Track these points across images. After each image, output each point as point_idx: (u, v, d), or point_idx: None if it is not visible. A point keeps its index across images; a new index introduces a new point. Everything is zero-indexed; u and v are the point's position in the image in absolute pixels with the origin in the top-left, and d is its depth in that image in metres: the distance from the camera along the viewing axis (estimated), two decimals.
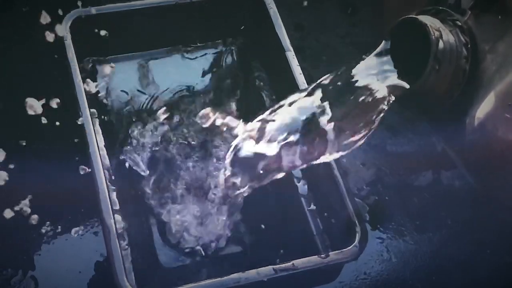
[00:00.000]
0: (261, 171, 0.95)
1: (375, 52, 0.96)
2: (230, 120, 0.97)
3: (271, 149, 0.94)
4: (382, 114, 0.93)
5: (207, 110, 0.98)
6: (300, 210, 1.08)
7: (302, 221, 1.07)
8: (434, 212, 1.11)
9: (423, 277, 1.06)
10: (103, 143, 1.01)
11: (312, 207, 1.08)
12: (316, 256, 0.94)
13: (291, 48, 1.12)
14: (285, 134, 0.94)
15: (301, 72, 1.09)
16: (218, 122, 0.98)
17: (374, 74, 0.94)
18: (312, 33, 1.31)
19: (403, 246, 1.09)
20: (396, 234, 1.10)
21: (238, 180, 0.96)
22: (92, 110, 1.03)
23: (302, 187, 1.09)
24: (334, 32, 1.32)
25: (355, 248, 0.95)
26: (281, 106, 0.96)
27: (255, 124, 0.96)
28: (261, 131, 0.95)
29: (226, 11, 1.19)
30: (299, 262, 0.93)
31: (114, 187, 0.97)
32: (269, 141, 0.94)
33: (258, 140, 0.94)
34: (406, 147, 1.19)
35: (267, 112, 0.96)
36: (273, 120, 0.95)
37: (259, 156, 0.94)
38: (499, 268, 1.06)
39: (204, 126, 0.99)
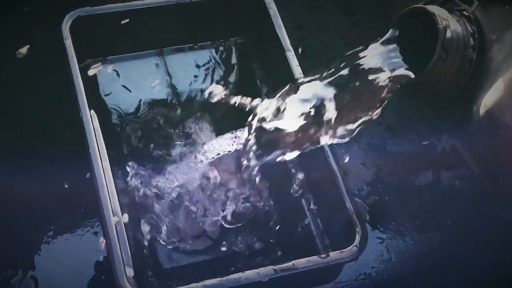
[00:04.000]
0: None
1: (381, 40, 0.96)
2: (243, 99, 0.96)
3: (288, 125, 0.93)
4: (385, 102, 0.93)
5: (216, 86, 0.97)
6: (300, 210, 1.08)
7: (302, 221, 1.07)
8: (434, 212, 1.11)
9: (423, 277, 1.06)
10: (103, 143, 1.01)
11: (312, 207, 1.08)
12: (316, 256, 0.94)
13: (291, 48, 1.12)
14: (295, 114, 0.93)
15: (301, 72, 1.09)
16: (233, 100, 0.97)
17: (380, 62, 0.94)
18: (312, 33, 1.31)
19: (403, 246, 1.09)
20: (396, 234, 1.10)
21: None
22: (91, 110, 1.03)
23: None
24: (334, 32, 1.32)
25: (355, 248, 0.95)
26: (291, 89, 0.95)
27: (267, 104, 0.95)
28: (275, 111, 0.94)
29: (226, 11, 1.19)
30: (299, 262, 0.93)
31: (114, 187, 0.97)
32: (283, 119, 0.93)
33: (273, 118, 0.94)
34: (406, 147, 1.19)
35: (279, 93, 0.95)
36: (285, 102, 0.94)
37: (276, 132, 0.93)
38: (499, 268, 1.06)
39: (212, 101, 0.98)
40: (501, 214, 1.07)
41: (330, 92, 0.93)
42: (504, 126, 0.93)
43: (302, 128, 0.92)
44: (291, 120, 0.92)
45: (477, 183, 1.10)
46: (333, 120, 0.92)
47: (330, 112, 0.92)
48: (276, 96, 0.94)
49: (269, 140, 0.93)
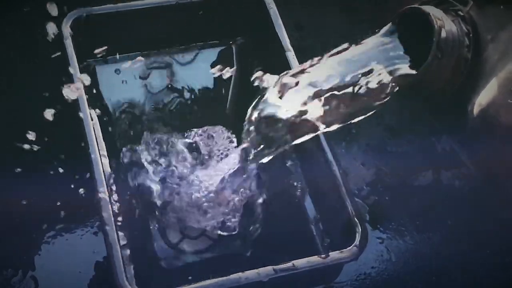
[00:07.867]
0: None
1: (381, 32, 0.96)
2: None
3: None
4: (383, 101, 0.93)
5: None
6: (300, 210, 1.08)
7: (302, 221, 1.07)
8: (434, 212, 1.11)
9: (423, 277, 1.06)
10: (103, 143, 1.01)
11: (312, 207, 1.08)
12: (316, 256, 0.94)
13: (291, 48, 1.12)
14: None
15: None
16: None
17: (379, 56, 0.94)
18: (312, 33, 1.31)
19: (403, 246, 1.09)
20: (396, 234, 1.10)
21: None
22: (91, 110, 1.03)
23: None
24: (334, 32, 1.32)
25: (355, 248, 0.95)
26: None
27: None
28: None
29: (226, 11, 1.19)
30: (299, 262, 0.93)
31: (114, 187, 0.97)
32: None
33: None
34: (406, 147, 1.19)
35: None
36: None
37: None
38: (499, 268, 1.06)
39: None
40: (501, 214, 1.07)
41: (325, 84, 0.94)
42: (499, 124, 0.93)
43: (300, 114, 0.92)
44: (289, 107, 0.93)
45: (477, 183, 1.10)
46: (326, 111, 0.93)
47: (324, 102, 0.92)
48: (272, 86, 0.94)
49: (268, 130, 0.93)
